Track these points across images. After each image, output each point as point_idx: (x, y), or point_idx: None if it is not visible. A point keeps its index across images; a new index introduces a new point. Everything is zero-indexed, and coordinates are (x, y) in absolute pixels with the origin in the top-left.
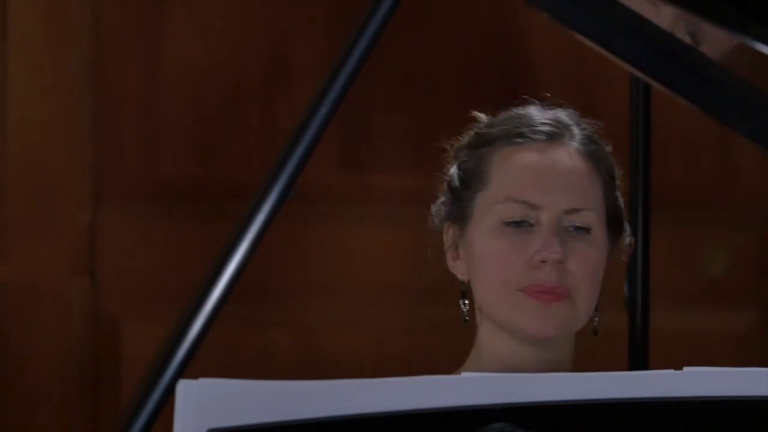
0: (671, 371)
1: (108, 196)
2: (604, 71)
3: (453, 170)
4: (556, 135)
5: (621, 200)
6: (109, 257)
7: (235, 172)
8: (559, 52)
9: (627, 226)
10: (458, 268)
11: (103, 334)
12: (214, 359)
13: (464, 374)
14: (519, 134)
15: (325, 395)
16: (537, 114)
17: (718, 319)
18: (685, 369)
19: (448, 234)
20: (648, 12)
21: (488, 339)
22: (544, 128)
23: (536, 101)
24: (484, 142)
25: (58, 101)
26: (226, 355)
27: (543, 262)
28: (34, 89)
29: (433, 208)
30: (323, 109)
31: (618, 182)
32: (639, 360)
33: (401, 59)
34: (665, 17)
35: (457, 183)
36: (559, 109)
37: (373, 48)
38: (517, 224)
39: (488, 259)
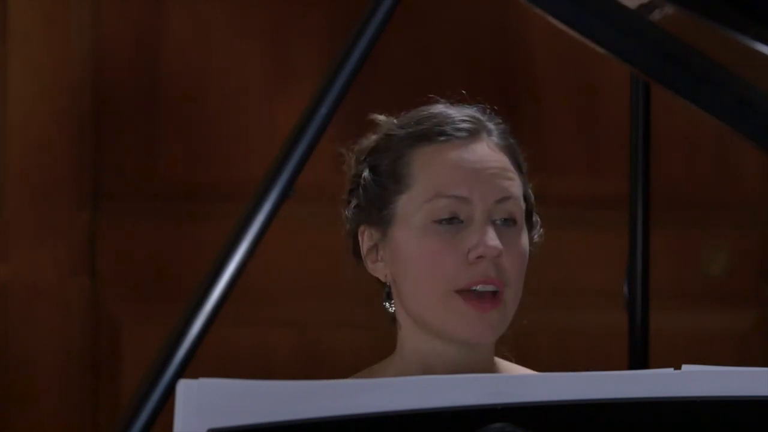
0: (670, 371)
1: (108, 196)
2: (604, 71)
3: (366, 174)
4: (476, 131)
5: (532, 195)
6: (109, 257)
7: (234, 172)
8: (559, 52)
9: (538, 219)
10: (379, 271)
11: (103, 334)
12: (214, 359)
13: (464, 374)
14: (440, 132)
15: (325, 395)
16: (453, 112)
17: (718, 319)
18: (684, 367)
19: (364, 237)
20: None
21: (411, 337)
22: (465, 125)
23: (443, 100)
24: (400, 143)
25: (58, 101)
26: (226, 355)
27: (480, 257)
28: (34, 89)
29: (346, 213)
30: (323, 109)
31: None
32: (639, 360)
33: (401, 59)
34: None
35: (372, 186)
36: (467, 106)
37: (373, 48)
38: (448, 222)
39: (420, 260)
